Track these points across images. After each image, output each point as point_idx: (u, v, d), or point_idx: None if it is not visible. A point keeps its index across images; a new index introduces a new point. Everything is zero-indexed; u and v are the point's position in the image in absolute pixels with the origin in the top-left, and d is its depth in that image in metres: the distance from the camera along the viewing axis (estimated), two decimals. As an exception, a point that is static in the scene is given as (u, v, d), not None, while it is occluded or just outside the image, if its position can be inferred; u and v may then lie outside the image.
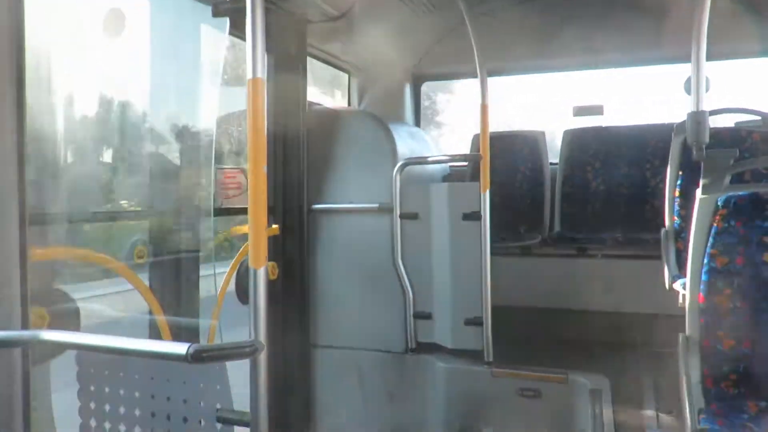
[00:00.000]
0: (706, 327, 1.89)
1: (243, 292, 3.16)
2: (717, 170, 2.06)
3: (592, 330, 3.68)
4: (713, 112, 3.34)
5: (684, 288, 2.45)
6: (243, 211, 3.06)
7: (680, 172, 2.89)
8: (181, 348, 1.41)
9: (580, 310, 3.75)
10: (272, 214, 3.28)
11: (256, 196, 1.50)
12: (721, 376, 1.85)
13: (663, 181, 3.54)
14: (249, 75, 1.53)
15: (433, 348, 3.29)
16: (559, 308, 3.79)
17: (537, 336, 3.71)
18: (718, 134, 2.56)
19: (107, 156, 2.87)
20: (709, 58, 2.04)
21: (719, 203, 1.96)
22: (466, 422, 3.12)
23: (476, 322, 3.14)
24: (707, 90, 2.13)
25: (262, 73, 1.53)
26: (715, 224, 1.95)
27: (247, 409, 1.53)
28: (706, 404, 1.79)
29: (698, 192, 2.01)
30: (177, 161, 2.73)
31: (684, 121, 2.88)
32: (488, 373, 3.09)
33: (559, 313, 3.78)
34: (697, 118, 2.02)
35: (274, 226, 3.31)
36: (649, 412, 2.58)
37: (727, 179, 2.07)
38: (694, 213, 1.99)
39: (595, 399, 2.73)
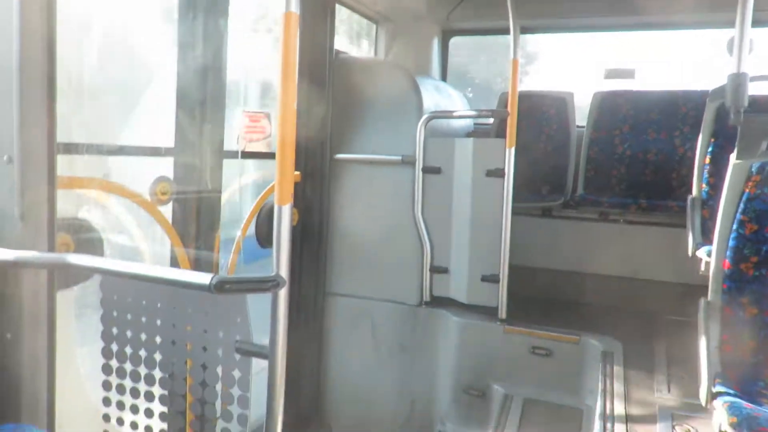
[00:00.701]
0: (729, 293, 1.87)
1: (263, 236, 3.19)
2: (753, 135, 2.01)
3: (608, 295, 3.68)
4: (753, 78, 3.25)
5: (707, 255, 2.43)
6: (266, 155, 3.05)
7: (712, 139, 2.83)
8: (204, 278, 1.42)
9: (597, 275, 3.74)
10: (295, 160, 3.27)
11: (284, 132, 1.49)
12: (740, 343, 1.84)
13: (692, 149, 3.48)
14: (283, 9, 1.50)
15: (448, 303, 3.31)
16: (576, 271, 3.78)
17: (552, 297, 3.71)
18: (755, 101, 2.49)
19: (135, 92, 2.86)
20: (753, 24, 1.98)
21: (753, 169, 1.92)
22: (476, 377, 3.16)
23: (492, 279, 3.14)
24: (750, 51, 2.07)
25: (296, 7, 1.50)
26: (747, 190, 1.92)
27: (265, 343, 1.55)
28: (723, 370, 1.79)
29: (732, 157, 1.97)
30: (204, 102, 2.72)
31: (720, 87, 2.83)
32: (501, 330, 3.11)
33: (576, 276, 3.77)
34: (738, 80, 1.96)
35: (296, 172, 3.31)
36: (660, 377, 2.59)
37: (764, 145, 2.02)
38: (727, 178, 1.95)
39: (607, 361, 2.74)
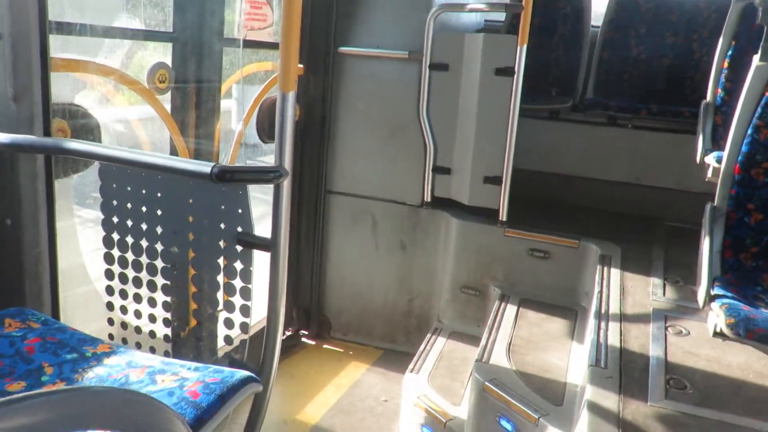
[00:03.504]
0: (737, 199, 1.85)
1: (263, 130, 3.12)
2: (779, 36, 1.91)
3: (611, 200, 3.67)
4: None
5: (716, 161, 2.39)
6: (268, 45, 2.94)
7: (733, 42, 2.71)
8: (205, 167, 1.39)
9: (601, 180, 3.71)
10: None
11: (290, 13, 1.40)
12: (742, 248, 1.84)
13: (709, 54, 3.36)
14: None
15: (449, 203, 3.30)
16: (580, 176, 3.75)
17: (554, 201, 3.71)
18: (784, 1, 2.36)
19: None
20: None
21: None
22: (474, 276, 3.21)
23: (495, 181, 3.12)
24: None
25: None
26: (766, 94, 1.85)
27: (268, 236, 1.54)
28: (722, 273, 1.80)
29: (755, 57, 1.89)
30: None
31: (749, -15, 2.67)
32: (501, 232, 3.13)
33: (579, 180, 3.74)
34: (771, -24, 1.84)
35: (300, 65, 3.20)
36: (657, 281, 2.62)
37: (789, 47, 1.94)
38: (747, 80, 1.88)
39: (604, 264, 2.77)
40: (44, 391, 0.68)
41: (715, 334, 1.55)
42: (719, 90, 2.74)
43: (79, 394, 0.72)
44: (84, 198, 2.48)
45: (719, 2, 3.62)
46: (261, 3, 2.90)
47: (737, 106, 1.90)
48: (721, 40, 2.75)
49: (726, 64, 2.74)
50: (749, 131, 1.86)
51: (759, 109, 1.86)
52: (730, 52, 2.73)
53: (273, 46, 2.94)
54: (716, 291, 1.65)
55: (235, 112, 3.11)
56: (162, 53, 2.58)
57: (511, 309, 2.87)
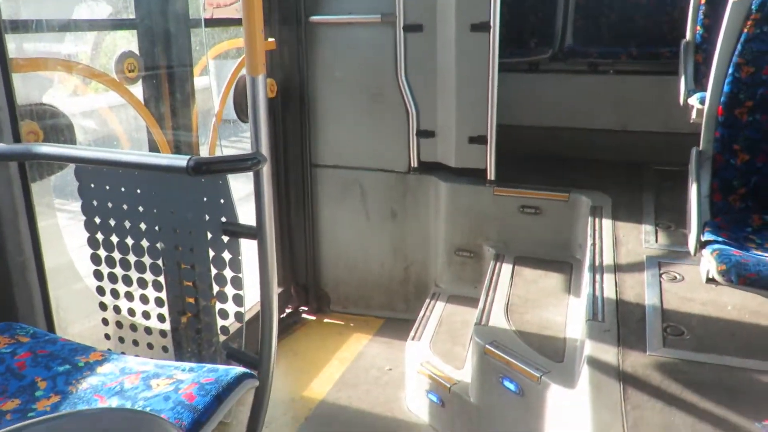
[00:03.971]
0: (722, 141, 1.83)
1: (241, 110, 3.07)
2: (755, -30, 1.87)
3: (598, 149, 3.65)
4: None
5: (700, 102, 2.37)
6: (236, 22, 2.86)
7: None
8: (181, 161, 1.35)
9: (586, 129, 3.68)
10: (267, 25, 3.08)
11: (249, -4, 1.35)
12: (729, 190, 1.83)
13: (686, -11, 3.29)
14: None
15: (436, 167, 3.27)
16: (565, 126, 3.72)
17: (542, 155, 3.68)
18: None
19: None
20: None
21: (753, 7, 1.80)
22: (467, 238, 3.20)
23: (480, 140, 3.08)
24: None
25: None
26: (745, 30, 1.81)
27: (253, 223, 1.52)
28: (712, 217, 1.79)
29: None
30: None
31: None
32: (490, 191, 3.11)
33: (565, 131, 3.71)
34: None
35: (270, 39, 3.13)
36: (648, 227, 2.62)
37: (766, -20, 1.89)
38: (725, 17, 1.84)
39: (596, 215, 2.77)
40: (39, 420, 0.67)
41: (708, 280, 1.55)
42: (698, 27, 2.69)
43: (75, 419, 0.71)
44: (64, 191, 2.43)
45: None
46: (224, -21, 2.82)
47: (717, 45, 1.87)
48: (696, -25, 2.69)
49: (703, 0, 2.69)
50: (730, 70, 1.83)
51: (739, 46, 1.82)
52: None
53: (239, 22, 2.86)
54: (707, 237, 1.64)
55: (215, 89, 3.05)
56: (129, 40, 2.51)
57: (506, 268, 2.88)
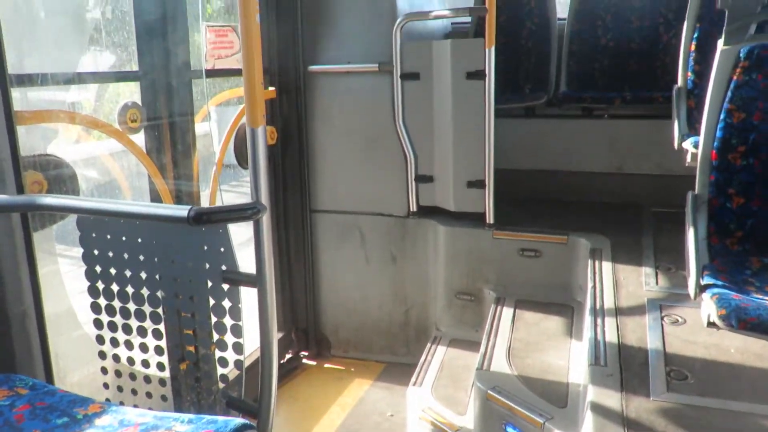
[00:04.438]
0: (716, 184, 1.85)
1: (242, 157, 3.11)
2: (741, 19, 1.93)
3: (595, 191, 3.68)
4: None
5: (694, 146, 2.40)
6: (237, 72, 2.92)
7: (698, 25, 2.73)
8: (182, 211, 1.37)
9: (583, 172, 3.72)
10: (267, 74, 3.14)
11: (249, 49, 1.39)
12: (727, 233, 1.85)
13: (677, 36, 3.37)
14: None
15: (435, 211, 3.30)
16: (562, 170, 3.75)
17: (539, 198, 3.71)
18: (743, -19, 2.38)
19: (90, 14, 2.68)
20: None
21: (741, 55, 1.86)
22: (467, 282, 3.20)
23: (478, 184, 3.11)
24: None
25: None
26: (735, 77, 1.86)
27: (253, 271, 1.53)
28: (710, 261, 1.80)
29: (720, 42, 1.90)
30: (164, 19, 2.56)
31: (708, -33, 2.69)
32: (489, 235, 3.12)
33: (562, 175, 3.75)
34: (726, -41, 1.85)
35: (271, 88, 3.19)
36: (648, 269, 2.62)
37: (752, 28, 1.95)
38: (714, 65, 1.89)
39: (595, 258, 2.77)
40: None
41: (709, 324, 1.55)
42: (689, 73, 2.75)
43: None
44: (66, 238, 2.44)
45: (680, -18, 3.64)
46: (226, 30, 2.89)
47: (707, 92, 1.91)
48: (685, 23, 2.77)
49: (693, 47, 2.76)
50: (722, 116, 1.87)
51: (729, 93, 1.87)
52: (695, 35, 2.74)
53: (240, 72, 2.92)
54: (706, 280, 1.65)
55: (215, 136, 3.09)
56: (132, 89, 2.56)
57: (507, 311, 2.87)
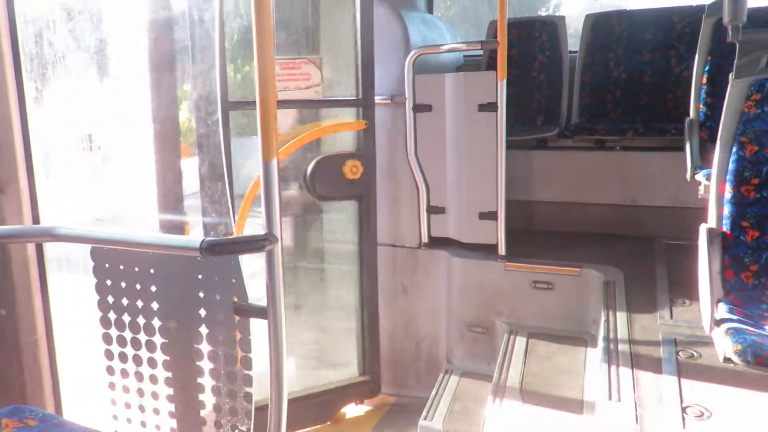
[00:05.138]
0: (730, 218, 1.84)
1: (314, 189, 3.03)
2: (752, 52, 1.93)
3: (608, 223, 3.66)
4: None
5: (706, 179, 2.39)
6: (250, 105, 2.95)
7: (709, 57, 2.74)
8: (194, 241, 1.39)
9: (595, 204, 3.71)
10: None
11: (264, 82, 1.41)
12: (741, 267, 1.82)
13: (688, 68, 3.38)
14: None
15: (447, 243, 3.29)
16: (574, 202, 3.74)
17: (552, 230, 3.69)
18: (753, 15, 2.40)
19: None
20: None
21: (752, 88, 1.86)
22: (479, 314, 3.18)
23: (490, 216, 3.11)
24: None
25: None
26: (746, 110, 1.86)
27: (263, 303, 1.53)
28: (725, 295, 1.77)
29: (731, 76, 1.90)
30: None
31: (717, 1, 2.71)
32: (502, 266, 3.11)
33: (574, 206, 3.74)
34: (736, -7, 1.87)
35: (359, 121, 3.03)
36: (663, 302, 2.59)
37: (763, 61, 1.95)
38: (726, 98, 1.89)
39: (608, 290, 2.74)
40: None
41: (725, 359, 1.52)
42: (701, 106, 2.75)
43: None
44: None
45: (691, 15, 3.65)
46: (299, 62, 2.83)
47: (719, 124, 1.91)
48: (696, 56, 2.78)
49: (705, 80, 2.76)
50: (734, 149, 1.86)
51: (741, 126, 1.86)
52: (707, 68, 2.75)
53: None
54: (721, 314, 1.62)
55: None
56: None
57: (519, 344, 2.84)
